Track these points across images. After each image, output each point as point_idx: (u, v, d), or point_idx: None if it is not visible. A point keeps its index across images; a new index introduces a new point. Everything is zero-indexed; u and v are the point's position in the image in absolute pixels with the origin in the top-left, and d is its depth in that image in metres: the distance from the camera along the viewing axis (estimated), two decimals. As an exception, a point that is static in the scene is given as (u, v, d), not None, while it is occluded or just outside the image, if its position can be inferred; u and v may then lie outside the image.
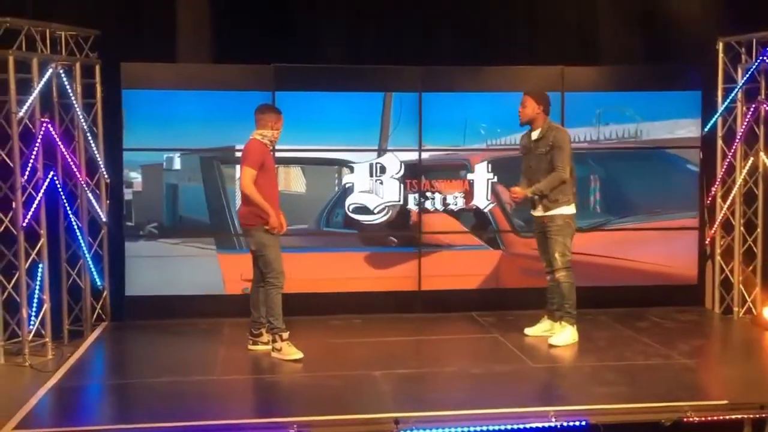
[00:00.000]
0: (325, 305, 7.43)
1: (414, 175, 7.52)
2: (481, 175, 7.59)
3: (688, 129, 7.69)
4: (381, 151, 7.49)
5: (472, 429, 4.83)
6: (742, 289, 7.47)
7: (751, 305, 7.43)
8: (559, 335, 6.53)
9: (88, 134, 6.92)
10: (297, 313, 7.10)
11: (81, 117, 6.84)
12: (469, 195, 7.59)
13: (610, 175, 7.73)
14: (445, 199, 7.59)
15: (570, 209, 6.47)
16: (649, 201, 7.75)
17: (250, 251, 6.31)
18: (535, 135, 6.50)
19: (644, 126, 7.66)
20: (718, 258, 7.62)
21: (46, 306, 6.42)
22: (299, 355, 6.12)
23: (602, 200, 7.71)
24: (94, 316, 7.16)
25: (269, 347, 6.30)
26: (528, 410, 5.01)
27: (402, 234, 7.57)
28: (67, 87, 6.65)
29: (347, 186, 7.51)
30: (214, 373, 5.89)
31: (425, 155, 7.53)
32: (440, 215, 7.61)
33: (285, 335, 6.15)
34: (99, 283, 7.07)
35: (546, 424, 4.87)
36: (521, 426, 4.87)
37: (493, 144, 7.58)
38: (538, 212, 6.54)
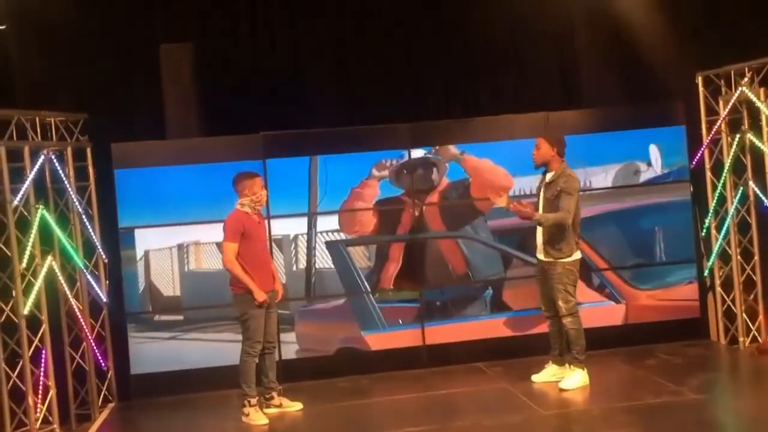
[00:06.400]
0: (332, 367, 7.40)
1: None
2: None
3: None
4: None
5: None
6: (746, 318, 7.48)
7: (755, 334, 7.42)
8: (569, 379, 6.49)
9: (83, 216, 6.96)
10: (301, 378, 7.10)
11: (75, 200, 6.89)
12: None
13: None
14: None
15: (570, 258, 6.45)
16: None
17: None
18: (548, 177, 6.52)
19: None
20: (718, 289, 7.63)
21: (52, 392, 6.39)
22: (265, 420, 6.24)
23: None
24: (101, 398, 7.11)
25: (282, 409, 6.44)
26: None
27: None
28: (60, 172, 6.71)
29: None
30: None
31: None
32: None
33: (253, 401, 6.25)
34: (103, 365, 7.06)
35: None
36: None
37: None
38: (541, 256, 6.54)
